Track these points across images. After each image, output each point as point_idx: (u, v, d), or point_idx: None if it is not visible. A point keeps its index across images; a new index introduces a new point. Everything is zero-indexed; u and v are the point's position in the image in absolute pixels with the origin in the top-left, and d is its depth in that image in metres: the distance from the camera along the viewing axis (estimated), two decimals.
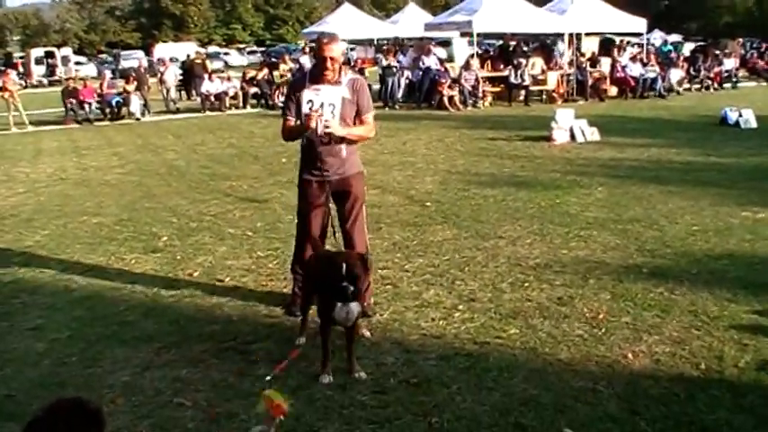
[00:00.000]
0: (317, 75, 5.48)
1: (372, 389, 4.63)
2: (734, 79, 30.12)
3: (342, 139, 5.48)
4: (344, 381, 4.74)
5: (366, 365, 4.94)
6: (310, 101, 5.40)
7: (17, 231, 9.25)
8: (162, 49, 55.62)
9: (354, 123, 5.58)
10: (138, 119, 23.93)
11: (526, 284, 6.49)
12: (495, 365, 4.89)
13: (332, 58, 5.31)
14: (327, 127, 5.32)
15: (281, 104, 5.99)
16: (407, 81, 25.36)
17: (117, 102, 24.26)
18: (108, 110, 24.20)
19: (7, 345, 5.66)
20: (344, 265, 4.52)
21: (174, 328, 5.82)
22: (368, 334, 5.42)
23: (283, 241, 7.90)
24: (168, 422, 4.33)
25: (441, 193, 10.42)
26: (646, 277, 6.60)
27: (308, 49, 29.24)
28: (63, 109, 24.04)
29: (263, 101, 26.15)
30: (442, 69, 24.13)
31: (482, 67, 25.26)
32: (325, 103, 5.39)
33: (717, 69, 29.46)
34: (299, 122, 5.49)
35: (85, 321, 6.05)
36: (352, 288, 4.51)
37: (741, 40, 43.05)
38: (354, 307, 4.65)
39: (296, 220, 5.99)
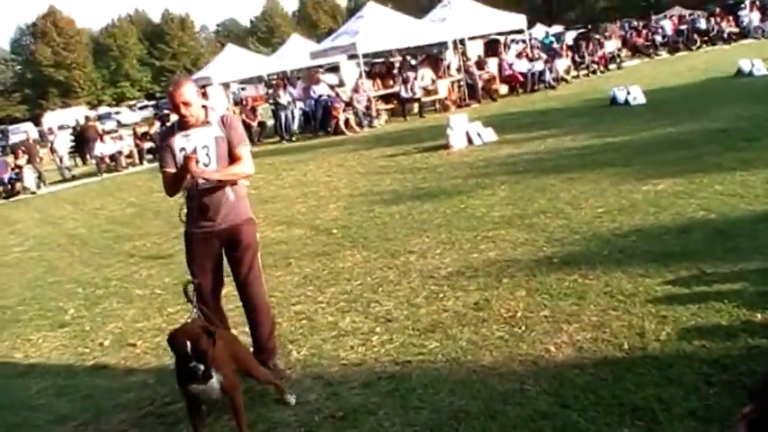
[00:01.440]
0: (181, 123, 5.13)
1: (298, 430, 4.47)
2: (618, 60, 30.96)
3: (221, 183, 5.10)
4: (267, 427, 4.56)
5: (289, 406, 4.77)
6: (183, 148, 5.04)
7: None
8: (52, 118, 54.48)
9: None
10: (33, 192, 23.25)
11: (441, 295, 6.38)
12: (420, 383, 4.76)
13: (185, 103, 4.96)
14: (200, 175, 4.99)
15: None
16: (301, 112, 25.24)
17: (10, 178, 23.53)
18: (1, 188, 23.44)
19: None
20: (189, 343, 4.01)
21: (88, 403, 5.54)
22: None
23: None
24: None
25: (346, 218, 10.28)
26: (558, 267, 6.57)
27: None
28: None
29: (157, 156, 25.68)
30: (334, 95, 24.10)
31: (373, 85, 25.29)
32: (198, 147, 5.03)
33: (600, 53, 30.33)
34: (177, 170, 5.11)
35: None
36: (202, 367, 4.01)
37: (619, 22, 44.47)
38: (214, 384, 4.13)
39: None
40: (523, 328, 5.35)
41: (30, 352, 7.13)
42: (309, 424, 4.52)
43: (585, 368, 4.54)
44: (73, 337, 7.34)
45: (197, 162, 4.93)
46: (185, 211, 5.30)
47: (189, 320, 4.54)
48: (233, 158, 5.19)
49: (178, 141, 5.09)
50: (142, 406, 5.24)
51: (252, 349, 5.34)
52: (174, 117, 5.41)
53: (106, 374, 6.11)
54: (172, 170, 5.11)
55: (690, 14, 42.92)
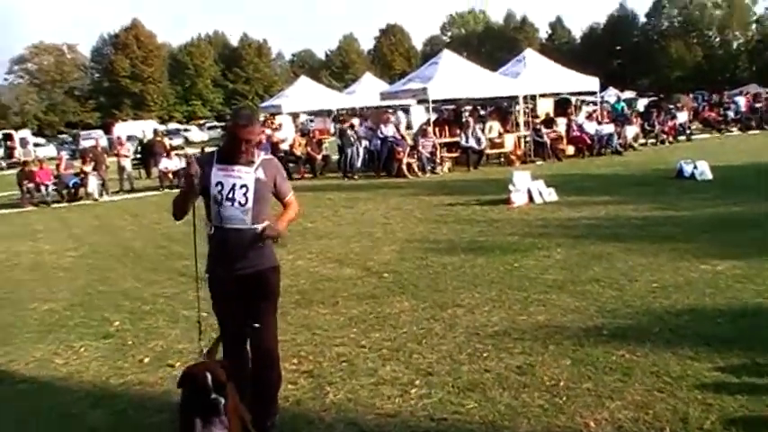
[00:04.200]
0: (227, 156, 4.95)
1: None
2: (687, 132, 30.64)
3: (254, 228, 4.89)
4: None
5: None
6: (219, 182, 4.86)
7: None
8: (122, 128, 55.55)
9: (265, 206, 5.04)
10: (95, 199, 23.69)
11: (485, 354, 6.33)
12: None
13: (248, 141, 4.84)
14: (271, 236, 4.87)
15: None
16: (366, 150, 25.41)
17: (74, 183, 24.04)
18: (65, 191, 23.96)
19: None
20: (209, 376, 3.97)
21: (120, 418, 5.60)
22: None
23: None
24: None
25: (398, 263, 10.28)
26: (606, 339, 6.48)
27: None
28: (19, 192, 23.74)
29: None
30: (400, 137, 24.24)
31: (440, 133, 25.38)
32: (237, 185, 4.85)
33: (671, 123, 30.07)
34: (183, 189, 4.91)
35: (28, 417, 5.80)
36: (223, 400, 3.97)
37: (692, 94, 44.12)
38: (218, 428, 4.02)
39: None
40: (564, 398, 5.27)
41: (71, 359, 7.22)
42: None
43: None
44: (115, 349, 7.42)
45: (232, 202, 4.84)
46: (209, 253, 5.10)
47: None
48: (283, 205, 5.17)
49: (216, 174, 4.90)
50: (173, 429, 5.26)
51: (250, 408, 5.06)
52: None
53: (142, 392, 6.16)
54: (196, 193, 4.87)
55: (766, 93, 42.36)
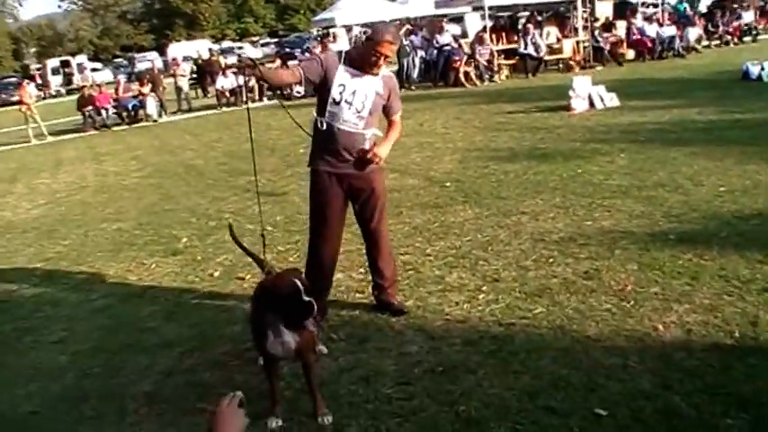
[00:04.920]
0: (355, 61, 5.10)
1: (397, 380, 4.53)
2: (753, 32, 29.59)
3: (363, 131, 5.15)
4: (367, 373, 4.65)
5: (389, 356, 4.86)
6: (343, 84, 5.02)
7: (39, 244, 9.25)
8: (176, 49, 55.59)
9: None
10: (155, 120, 23.98)
11: (551, 260, 6.34)
12: (522, 347, 4.76)
13: (386, 57, 4.99)
14: (377, 162, 5.13)
15: (296, 94, 5.53)
16: (422, 60, 25.12)
17: (133, 105, 24.32)
18: (125, 114, 24.30)
19: (32, 360, 5.64)
20: (299, 282, 3.93)
21: (195, 331, 5.75)
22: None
23: (303, 233, 7.70)
24: (192, 428, 4.26)
25: (460, 172, 10.26)
26: (673, 244, 6.42)
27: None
28: (81, 117, 24.13)
29: (278, 92, 25.98)
30: (456, 46, 23.88)
31: (497, 40, 24.92)
32: (358, 92, 5.04)
33: (735, 24, 29.03)
34: (298, 82, 5.04)
35: (108, 331, 6.02)
36: (314, 303, 3.93)
37: None
38: (290, 338, 4.03)
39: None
40: (632, 302, 5.28)
41: (143, 276, 7.42)
42: (408, 375, 4.57)
43: (693, 352, 4.44)
44: (185, 265, 7.60)
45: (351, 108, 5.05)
46: (310, 147, 5.38)
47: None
48: (389, 121, 5.36)
49: (341, 75, 5.06)
50: (245, 339, 5.34)
51: (377, 289, 5.64)
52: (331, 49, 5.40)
53: (214, 305, 6.32)
54: (295, 78, 5.05)
55: None
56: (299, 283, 3.91)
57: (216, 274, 7.17)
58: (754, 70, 16.97)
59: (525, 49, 23.76)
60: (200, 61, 31.16)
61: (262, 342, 4.09)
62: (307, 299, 3.88)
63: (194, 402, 4.55)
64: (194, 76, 30.14)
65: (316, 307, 3.91)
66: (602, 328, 4.93)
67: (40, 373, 5.35)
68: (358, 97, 5.05)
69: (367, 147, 5.15)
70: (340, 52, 5.40)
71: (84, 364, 5.40)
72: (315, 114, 5.22)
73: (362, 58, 5.07)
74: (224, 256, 7.71)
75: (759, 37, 29.52)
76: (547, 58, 24.53)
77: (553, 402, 4.07)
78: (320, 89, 5.12)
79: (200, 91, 30.18)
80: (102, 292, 7.05)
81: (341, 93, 5.02)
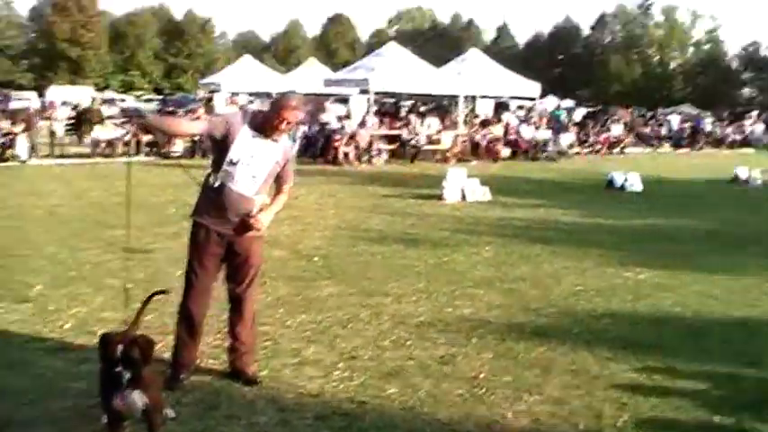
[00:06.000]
0: (259, 124, 5.09)
1: None
2: (621, 145, 31.30)
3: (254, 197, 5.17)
4: None
5: (238, 424, 4.72)
6: (242, 145, 5.01)
7: None
8: (57, 92, 53.98)
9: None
10: (23, 161, 23.03)
11: (408, 343, 6.36)
12: (373, 425, 4.72)
13: (288, 122, 5.03)
14: (258, 228, 5.14)
15: (173, 153, 5.54)
16: (304, 136, 25.29)
17: (2, 143, 23.32)
18: None
19: None
20: (121, 347, 3.88)
21: (38, 383, 5.42)
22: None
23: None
24: None
25: (329, 249, 10.26)
26: (528, 336, 6.57)
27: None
28: None
29: (155, 149, 25.56)
30: (339, 126, 24.20)
31: (379, 124, 25.38)
32: (256, 156, 5.02)
33: (605, 135, 30.63)
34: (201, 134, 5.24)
35: None
36: (128, 375, 3.86)
37: (630, 108, 45.15)
38: (136, 397, 3.92)
39: (181, 273, 5.57)
40: (484, 389, 5.34)
41: None
42: None
43: None
44: (35, 314, 7.20)
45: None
46: (197, 199, 5.30)
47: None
48: (278, 189, 5.36)
49: (243, 136, 5.04)
50: (91, 396, 5.12)
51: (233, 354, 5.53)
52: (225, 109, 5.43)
53: (62, 358, 6.00)
54: (197, 130, 5.39)
55: (697, 114, 43.66)
56: (117, 352, 3.83)
57: (67, 326, 6.82)
58: (619, 179, 17.97)
59: (408, 135, 24.26)
60: (79, 108, 30.37)
61: (107, 398, 3.93)
62: (117, 370, 3.81)
63: None
64: (72, 122, 29.28)
65: (128, 379, 3.84)
66: (453, 412, 4.95)
67: None
68: (256, 161, 5.04)
69: (253, 212, 5.13)
70: (245, 112, 5.41)
71: None
72: (210, 169, 5.19)
73: (266, 121, 5.08)
74: (77, 308, 7.37)
75: (626, 150, 31.21)
76: (425, 147, 25.09)
77: None
78: (220, 147, 5.09)
79: (75, 137, 29.33)
80: None
81: (239, 154, 5.01)
